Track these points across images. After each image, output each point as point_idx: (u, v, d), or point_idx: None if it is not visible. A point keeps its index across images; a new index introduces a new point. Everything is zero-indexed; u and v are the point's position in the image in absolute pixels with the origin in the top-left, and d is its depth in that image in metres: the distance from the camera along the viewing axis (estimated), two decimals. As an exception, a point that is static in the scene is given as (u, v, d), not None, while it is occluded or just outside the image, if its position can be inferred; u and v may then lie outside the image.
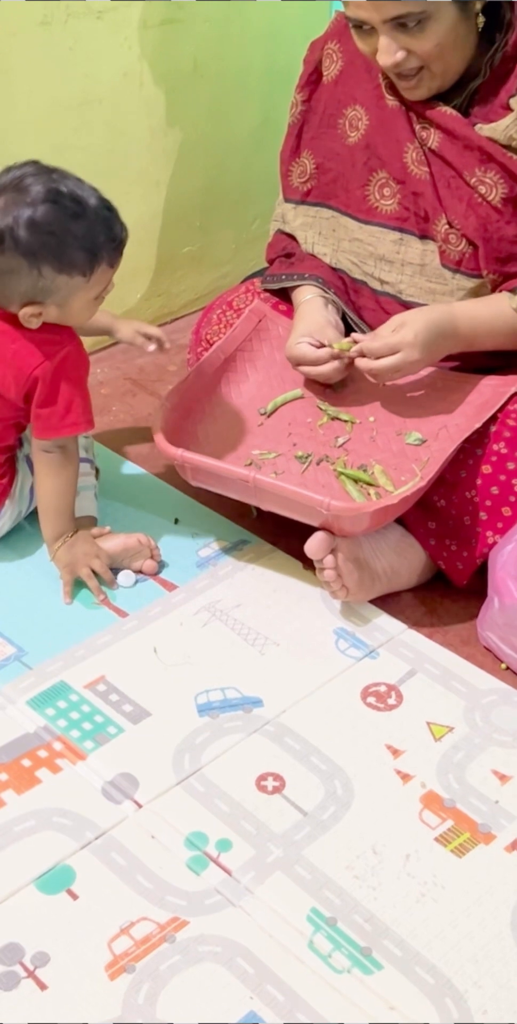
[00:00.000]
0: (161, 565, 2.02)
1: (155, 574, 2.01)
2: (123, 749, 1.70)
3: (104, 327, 2.17)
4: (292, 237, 2.21)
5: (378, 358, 1.94)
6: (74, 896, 1.50)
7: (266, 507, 1.95)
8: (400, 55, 1.87)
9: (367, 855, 1.56)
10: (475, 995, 1.40)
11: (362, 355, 1.96)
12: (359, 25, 1.88)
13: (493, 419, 1.93)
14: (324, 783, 1.65)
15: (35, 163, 1.83)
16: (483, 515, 1.89)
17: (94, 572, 1.96)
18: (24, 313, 1.86)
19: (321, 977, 1.42)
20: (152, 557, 2.01)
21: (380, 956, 1.44)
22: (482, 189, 1.94)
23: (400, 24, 1.83)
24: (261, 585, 1.99)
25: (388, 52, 1.86)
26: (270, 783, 1.65)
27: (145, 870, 1.54)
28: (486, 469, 1.89)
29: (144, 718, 1.74)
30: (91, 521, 2.05)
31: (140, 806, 1.62)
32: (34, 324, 1.88)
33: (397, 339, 1.92)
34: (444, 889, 1.52)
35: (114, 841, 1.57)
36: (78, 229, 1.80)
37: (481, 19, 1.89)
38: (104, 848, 1.56)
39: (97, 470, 2.14)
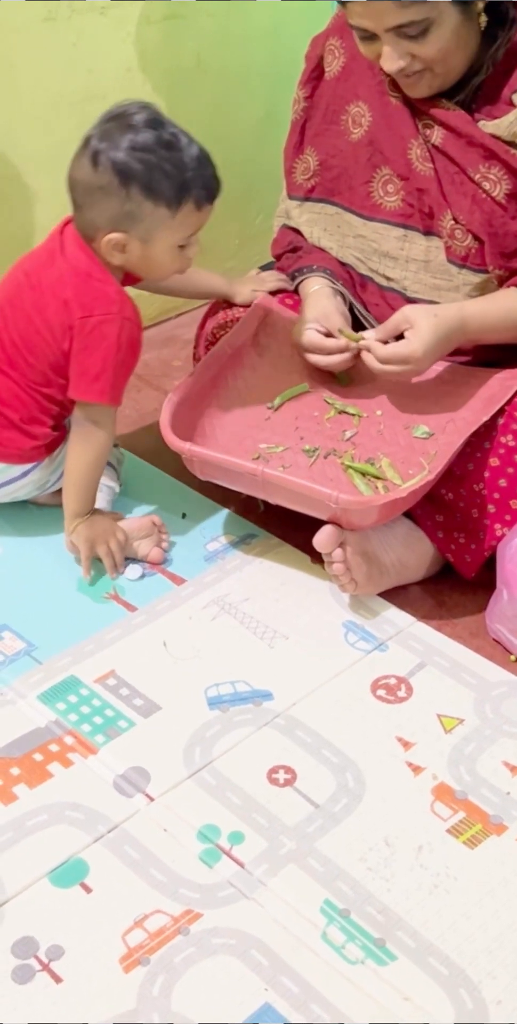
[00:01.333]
0: (167, 559, 2.02)
1: (161, 563, 2.01)
2: (134, 743, 1.70)
3: (219, 290, 2.22)
4: (298, 231, 2.21)
5: (385, 363, 1.95)
6: (88, 889, 1.50)
7: (274, 501, 1.95)
8: (404, 61, 1.87)
9: (380, 847, 1.56)
10: (489, 985, 1.40)
11: (368, 350, 1.97)
12: (362, 32, 1.89)
13: (501, 412, 1.93)
14: (335, 775, 1.65)
15: (146, 104, 1.89)
16: (491, 508, 1.89)
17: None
18: (108, 240, 1.87)
19: (335, 968, 1.42)
20: (160, 545, 2.01)
21: (394, 947, 1.44)
22: (486, 185, 1.94)
23: (403, 31, 1.84)
24: (269, 579, 1.99)
25: (392, 59, 1.87)
26: (281, 776, 1.65)
27: (158, 863, 1.54)
28: (494, 462, 1.90)
29: (154, 712, 1.74)
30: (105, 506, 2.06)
31: (152, 799, 1.62)
32: (116, 259, 1.90)
33: (407, 351, 1.92)
34: (457, 880, 1.52)
35: (127, 834, 1.57)
36: (171, 159, 1.84)
37: (484, 18, 1.89)
38: (117, 841, 1.56)
39: (120, 483, 2.15)
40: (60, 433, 2.03)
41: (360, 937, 1.45)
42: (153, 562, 2.01)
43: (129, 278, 2.00)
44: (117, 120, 1.86)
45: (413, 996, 1.39)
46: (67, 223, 1.95)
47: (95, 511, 1.99)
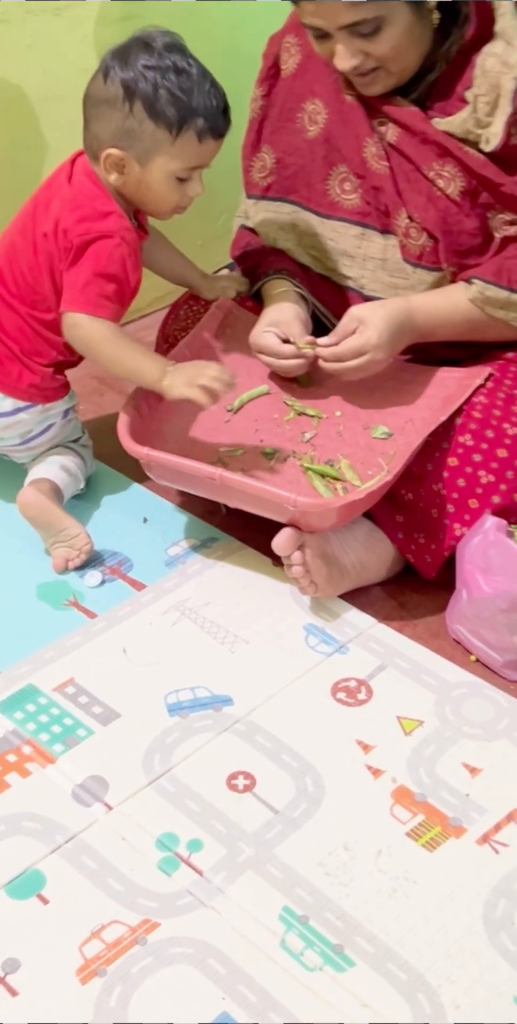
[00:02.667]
0: (128, 564, 2.01)
1: (57, 571, 1.99)
2: (93, 751, 1.69)
3: (193, 280, 2.21)
4: (255, 232, 2.20)
5: (343, 360, 1.94)
6: (45, 901, 1.49)
7: (233, 504, 1.94)
8: (357, 59, 1.87)
9: (338, 852, 1.55)
10: (448, 990, 1.40)
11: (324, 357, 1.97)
12: (315, 31, 1.88)
13: (459, 411, 1.93)
14: (295, 780, 1.65)
15: (171, 32, 1.91)
16: (450, 507, 1.89)
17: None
18: (107, 156, 1.88)
19: (293, 976, 1.41)
20: (68, 563, 1.99)
21: (352, 953, 1.44)
22: (440, 183, 1.94)
23: (355, 30, 1.83)
24: (230, 583, 1.98)
25: (345, 57, 1.87)
26: (241, 782, 1.65)
27: (116, 873, 1.53)
28: (452, 462, 1.89)
29: (114, 719, 1.73)
30: (49, 485, 2.03)
31: (110, 808, 1.61)
32: (113, 178, 1.90)
33: (362, 341, 1.92)
34: (416, 884, 1.51)
35: (84, 844, 1.56)
36: (179, 83, 1.85)
37: (436, 15, 1.89)
38: (74, 852, 1.55)
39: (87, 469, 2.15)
40: (57, 385, 2.05)
41: (318, 944, 1.45)
42: (54, 567, 1.99)
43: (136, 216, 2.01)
44: (137, 40, 1.88)
45: (371, 1002, 1.39)
46: (79, 154, 1.97)
47: (175, 364, 1.94)
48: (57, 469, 2.07)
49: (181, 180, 1.92)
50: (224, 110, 1.90)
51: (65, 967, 1.42)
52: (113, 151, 1.89)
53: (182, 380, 1.91)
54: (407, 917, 1.48)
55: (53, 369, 2.04)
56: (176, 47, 1.88)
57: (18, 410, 2.04)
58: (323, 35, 1.88)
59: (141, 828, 1.58)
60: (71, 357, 2.05)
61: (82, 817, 1.59)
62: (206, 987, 1.40)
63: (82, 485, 2.14)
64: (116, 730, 1.72)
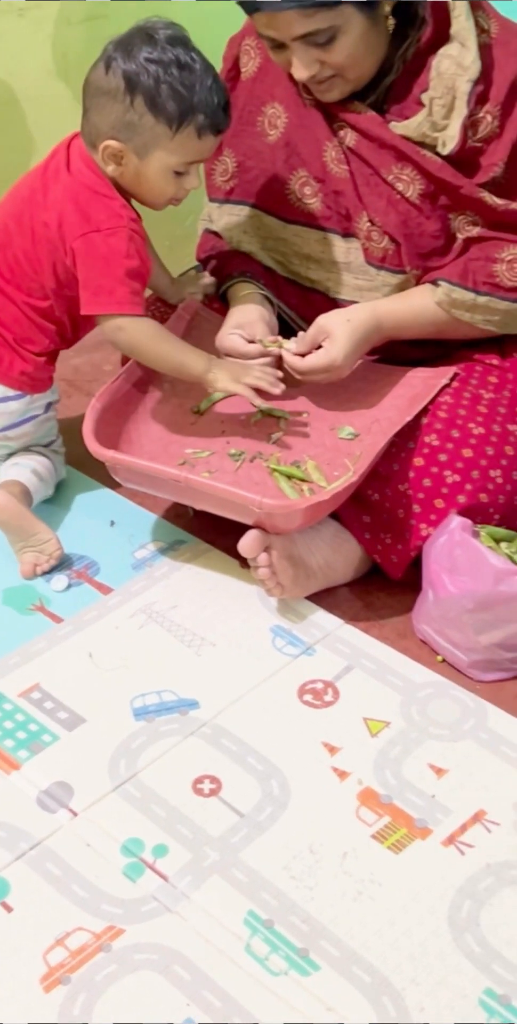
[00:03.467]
0: (95, 568, 2.01)
1: (26, 577, 1.99)
2: (58, 757, 1.68)
3: (161, 285, 2.20)
4: (220, 236, 2.20)
5: (305, 375, 1.96)
6: (8, 908, 1.49)
7: (199, 507, 1.93)
8: (313, 68, 1.87)
9: (304, 855, 1.55)
10: (412, 992, 1.40)
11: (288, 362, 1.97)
12: (270, 41, 1.88)
13: (424, 411, 1.93)
14: (261, 784, 1.64)
15: (175, 24, 1.90)
16: (416, 508, 1.89)
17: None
18: (105, 147, 1.88)
19: (258, 980, 1.41)
20: (36, 568, 1.98)
21: (317, 957, 1.43)
22: (400, 186, 1.94)
23: (310, 40, 1.83)
24: (197, 585, 1.97)
25: (301, 67, 1.88)
26: (207, 786, 1.64)
27: (80, 879, 1.52)
28: (418, 462, 1.89)
29: (79, 725, 1.73)
30: (20, 488, 2.02)
31: (75, 814, 1.60)
32: (110, 169, 1.90)
33: (327, 361, 1.93)
34: (381, 887, 1.51)
35: (49, 851, 1.55)
36: (181, 79, 1.84)
37: (391, 21, 1.89)
38: (39, 859, 1.54)
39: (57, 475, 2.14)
40: (46, 376, 2.05)
41: (283, 948, 1.44)
42: (22, 572, 1.98)
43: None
44: (141, 31, 1.87)
45: (336, 1006, 1.39)
46: (74, 137, 1.96)
47: (218, 359, 1.96)
48: (29, 473, 2.07)
49: (178, 174, 1.92)
50: (225, 106, 1.90)
51: (29, 975, 1.41)
52: (112, 143, 1.88)
53: (227, 376, 1.93)
54: (372, 920, 1.47)
55: (45, 359, 2.03)
56: (179, 40, 1.87)
57: (7, 399, 2.03)
58: (279, 45, 1.88)
59: (106, 834, 1.58)
60: (62, 345, 2.05)
61: (47, 823, 1.59)
62: (171, 993, 1.40)
63: (51, 492, 2.13)
64: (81, 735, 1.71)
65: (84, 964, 1.43)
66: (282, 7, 1.80)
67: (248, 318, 2.03)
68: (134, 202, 1.98)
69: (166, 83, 1.83)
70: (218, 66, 2.11)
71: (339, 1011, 1.38)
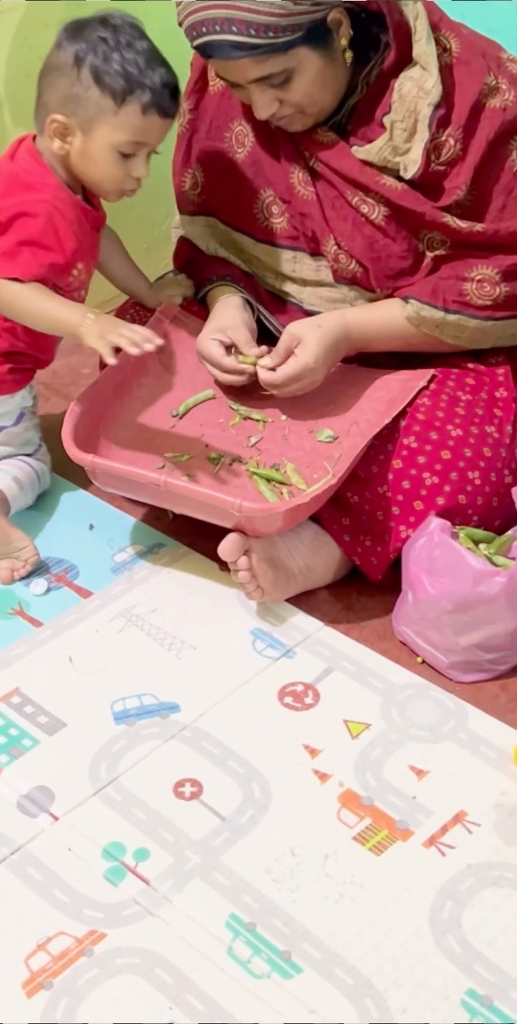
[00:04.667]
0: (74, 572, 2.00)
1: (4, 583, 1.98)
2: (39, 762, 1.68)
3: (139, 290, 2.20)
4: (194, 244, 2.20)
5: (280, 387, 1.96)
6: (-10, 914, 1.49)
7: (179, 511, 1.94)
8: (273, 108, 1.89)
9: (286, 858, 1.55)
10: (395, 994, 1.40)
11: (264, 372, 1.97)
12: (229, 82, 1.91)
13: (402, 414, 1.93)
14: (242, 787, 1.64)
15: (133, 16, 1.92)
16: (395, 510, 1.89)
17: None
18: (51, 120, 1.89)
19: (241, 984, 1.41)
20: (14, 573, 1.98)
21: (299, 959, 1.44)
22: (365, 208, 1.95)
23: (267, 82, 1.85)
24: (177, 588, 1.97)
25: (261, 108, 1.90)
26: (188, 789, 1.64)
27: (62, 884, 1.52)
28: (397, 464, 1.90)
29: (60, 729, 1.72)
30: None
31: (56, 819, 1.60)
32: (56, 146, 1.91)
33: (299, 368, 1.93)
34: (363, 888, 1.51)
35: (30, 856, 1.55)
36: (129, 57, 1.85)
37: (349, 55, 1.89)
38: (20, 864, 1.54)
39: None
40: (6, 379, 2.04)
41: (266, 950, 1.45)
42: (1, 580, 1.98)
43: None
44: (95, 16, 1.89)
45: (319, 1008, 1.39)
46: (27, 136, 1.98)
47: (99, 313, 1.91)
48: (9, 480, 2.05)
49: (124, 156, 1.91)
50: (172, 90, 1.90)
51: (11, 981, 1.41)
52: (58, 116, 1.89)
53: (96, 331, 1.86)
54: (354, 922, 1.48)
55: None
56: (133, 26, 1.89)
57: None
58: (238, 85, 1.90)
59: (87, 838, 1.58)
60: (18, 346, 2.03)
61: (28, 828, 1.58)
62: (153, 997, 1.40)
63: (31, 500, 2.12)
64: (62, 740, 1.71)
65: (66, 969, 1.42)
66: (232, 56, 1.82)
67: (230, 321, 2.03)
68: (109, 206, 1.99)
69: (114, 59, 1.85)
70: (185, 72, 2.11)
71: (321, 1013, 1.38)
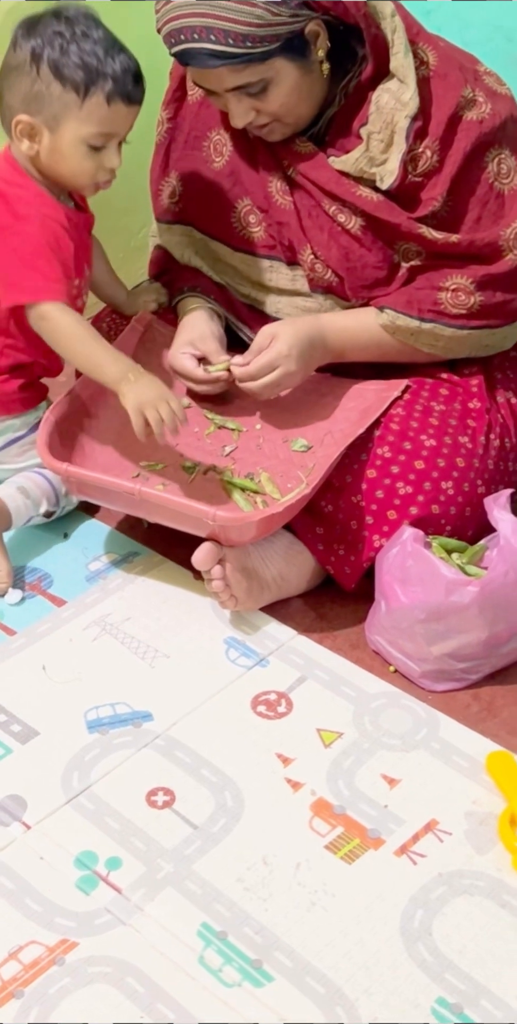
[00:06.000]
0: (49, 580, 2.00)
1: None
2: (11, 770, 1.67)
3: (117, 298, 2.21)
4: (170, 252, 2.20)
5: (256, 379, 1.95)
6: (-39, 923, 1.48)
7: (153, 519, 1.94)
8: (250, 116, 1.90)
9: (257, 866, 1.55)
10: (365, 1002, 1.40)
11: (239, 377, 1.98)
12: (207, 90, 1.92)
13: (377, 423, 1.94)
14: (214, 795, 1.64)
15: (87, 7, 1.90)
16: (369, 519, 1.90)
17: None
18: (16, 122, 1.87)
19: (212, 992, 1.41)
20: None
21: (271, 968, 1.44)
22: (341, 218, 1.96)
23: (244, 91, 1.87)
24: (151, 597, 1.97)
25: (237, 116, 1.91)
26: (160, 798, 1.64)
27: (34, 892, 1.52)
28: (371, 473, 1.90)
29: (32, 737, 1.72)
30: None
31: (28, 828, 1.60)
32: (25, 147, 1.89)
33: (272, 355, 1.93)
34: (334, 897, 1.52)
35: (2, 864, 1.55)
36: (86, 48, 1.84)
37: (326, 67, 1.90)
38: (-8, 873, 1.54)
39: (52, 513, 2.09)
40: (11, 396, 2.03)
41: (237, 959, 1.45)
42: None
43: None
44: (48, 11, 1.87)
45: (290, 1016, 1.39)
46: (6, 145, 1.96)
47: (142, 373, 1.90)
48: (13, 490, 2.03)
49: (95, 149, 1.90)
50: (135, 76, 1.88)
51: (-19, 990, 1.41)
52: (23, 116, 1.87)
53: (134, 397, 1.87)
54: (325, 930, 1.48)
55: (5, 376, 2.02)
56: (89, 17, 1.88)
57: None
58: (215, 93, 1.91)
59: (60, 847, 1.58)
60: (25, 359, 2.03)
61: (0, 837, 1.58)
62: (124, 1006, 1.40)
63: (42, 511, 2.05)
64: (35, 748, 1.71)
65: (37, 978, 1.42)
66: (210, 65, 1.82)
67: (198, 333, 2.04)
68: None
69: (71, 52, 1.84)
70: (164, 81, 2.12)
71: (292, 1021, 1.39)
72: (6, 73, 1.89)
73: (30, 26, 1.86)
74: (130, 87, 1.87)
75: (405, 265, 1.97)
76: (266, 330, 1.96)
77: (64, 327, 1.91)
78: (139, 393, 1.87)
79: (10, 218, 1.91)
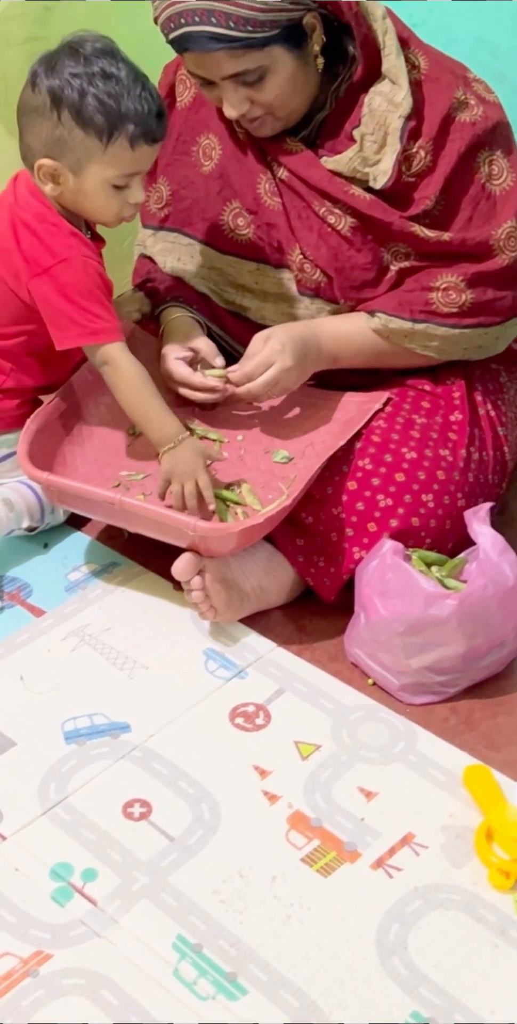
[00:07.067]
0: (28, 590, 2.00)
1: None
2: (-13, 781, 1.67)
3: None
4: (154, 261, 2.20)
5: (253, 379, 1.95)
6: None
7: (134, 529, 1.94)
8: (244, 107, 1.90)
9: (233, 879, 1.55)
10: (340, 1016, 1.40)
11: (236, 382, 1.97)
12: (200, 80, 1.91)
13: (358, 435, 1.94)
14: (191, 807, 1.64)
15: (104, 37, 1.87)
16: (349, 531, 1.90)
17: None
18: (39, 166, 1.85)
19: (186, 1005, 1.41)
20: None
21: (245, 981, 1.43)
22: (331, 219, 1.96)
23: (239, 79, 1.86)
24: (131, 607, 1.97)
25: (231, 106, 1.90)
26: (137, 809, 1.64)
27: (8, 904, 1.51)
28: (352, 485, 1.90)
29: (9, 748, 1.72)
30: None
31: (4, 839, 1.59)
32: (48, 188, 1.87)
33: (267, 352, 1.93)
34: (310, 910, 1.51)
35: (-23, 876, 1.55)
36: (107, 89, 1.81)
37: (321, 60, 1.91)
38: (-34, 884, 1.54)
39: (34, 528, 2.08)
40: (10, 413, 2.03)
41: (212, 972, 1.44)
42: None
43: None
44: (65, 46, 1.85)
45: (263, 1030, 1.39)
46: (23, 171, 1.94)
47: (185, 442, 1.90)
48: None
49: (118, 188, 1.88)
50: (158, 114, 1.86)
51: (-46, 1002, 1.41)
52: (45, 161, 1.86)
53: (169, 464, 1.88)
54: (301, 943, 1.48)
55: (6, 396, 2.03)
56: (106, 51, 1.84)
57: None
58: (209, 83, 1.91)
59: (35, 858, 1.57)
60: (27, 382, 2.03)
61: (-25, 848, 1.58)
62: (98, 1018, 1.39)
63: (24, 525, 2.04)
64: (11, 759, 1.70)
65: (11, 989, 1.42)
66: (210, 48, 1.82)
67: (187, 335, 2.04)
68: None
69: (91, 95, 1.81)
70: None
71: (266, 1035, 1.38)
72: (25, 112, 1.87)
73: (48, 64, 1.83)
74: (153, 126, 1.86)
75: (394, 267, 1.97)
76: (260, 335, 1.97)
77: (125, 372, 1.92)
78: (175, 462, 1.88)
79: (50, 258, 1.90)
